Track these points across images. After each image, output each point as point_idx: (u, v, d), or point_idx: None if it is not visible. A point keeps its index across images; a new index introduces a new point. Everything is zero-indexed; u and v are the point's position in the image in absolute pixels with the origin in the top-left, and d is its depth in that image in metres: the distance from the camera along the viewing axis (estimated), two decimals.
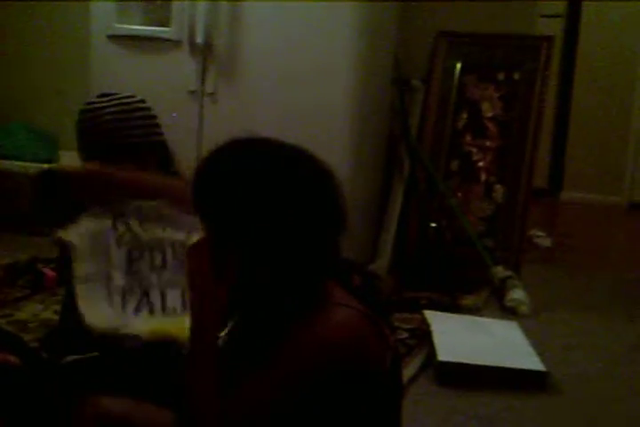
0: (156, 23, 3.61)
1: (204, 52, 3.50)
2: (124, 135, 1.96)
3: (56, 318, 3.04)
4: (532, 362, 2.83)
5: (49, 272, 3.45)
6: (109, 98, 2.00)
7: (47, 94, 4.52)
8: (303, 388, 1.26)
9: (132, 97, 2.02)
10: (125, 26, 3.62)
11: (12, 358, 1.63)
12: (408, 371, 2.84)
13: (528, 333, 3.12)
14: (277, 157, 1.33)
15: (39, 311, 3.19)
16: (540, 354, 2.89)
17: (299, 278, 1.32)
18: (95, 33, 3.67)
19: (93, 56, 3.70)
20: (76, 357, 1.87)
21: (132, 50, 3.62)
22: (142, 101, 2.03)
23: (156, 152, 2.02)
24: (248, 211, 1.29)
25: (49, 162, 4.32)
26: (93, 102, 2.01)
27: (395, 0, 3.83)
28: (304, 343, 1.26)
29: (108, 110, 1.97)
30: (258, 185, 1.29)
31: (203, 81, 3.53)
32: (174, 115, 3.23)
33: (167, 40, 3.55)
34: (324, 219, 1.33)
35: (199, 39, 3.46)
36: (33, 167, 4.17)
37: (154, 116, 2.03)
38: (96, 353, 1.86)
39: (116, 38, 3.63)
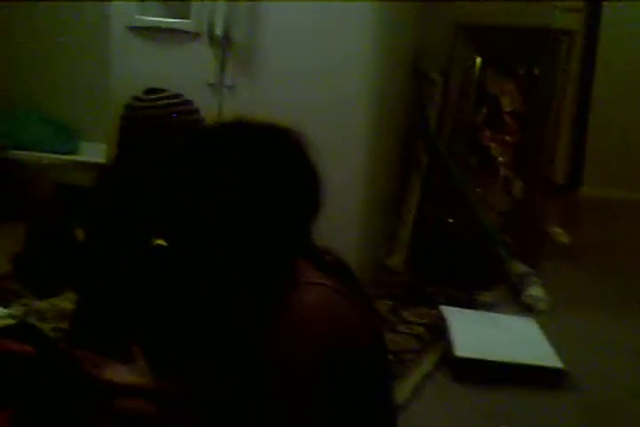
0: (175, 15, 3.61)
1: (223, 45, 3.49)
2: (166, 134, 1.93)
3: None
4: (550, 359, 2.82)
5: None
6: (157, 96, 1.99)
7: (67, 86, 4.53)
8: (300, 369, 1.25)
9: (179, 96, 2.01)
10: (145, 17, 3.62)
11: (29, 348, 1.63)
12: (424, 367, 2.84)
13: (545, 329, 3.10)
14: (259, 145, 1.35)
15: (57, 301, 3.20)
16: (558, 351, 2.88)
17: (271, 260, 1.32)
18: (115, 24, 3.67)
19: (113, 47, 3.70)
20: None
21: (152, 41, 3.62)
22: (189, 102, 2.02)
23: None
24: (228, 195, 1.30)
25: (68, 153, 4.35)
26: (140, 99, 2.00)
27: None
28: (283, 329, 1.25)
29: (153, 112, 1.96)
30: (240, 170, 1.31)
31: (222, 74, 3.53)
32: None
33: (186, 32, 3.55)
34: (300, 203, 1.35)
35: (218, 31, 3.45)
36: (49, 158, 4.21)
37: (200, 120, 2.02)
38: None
39: (136, 30, 3.63)
